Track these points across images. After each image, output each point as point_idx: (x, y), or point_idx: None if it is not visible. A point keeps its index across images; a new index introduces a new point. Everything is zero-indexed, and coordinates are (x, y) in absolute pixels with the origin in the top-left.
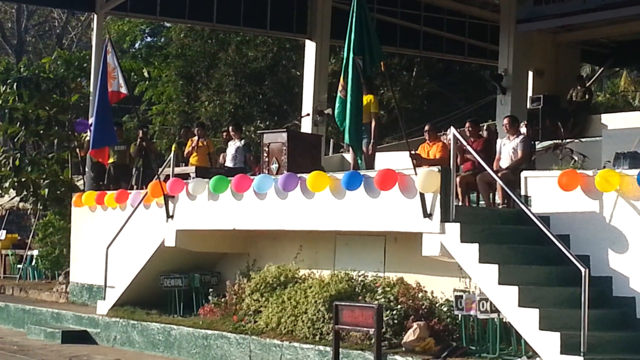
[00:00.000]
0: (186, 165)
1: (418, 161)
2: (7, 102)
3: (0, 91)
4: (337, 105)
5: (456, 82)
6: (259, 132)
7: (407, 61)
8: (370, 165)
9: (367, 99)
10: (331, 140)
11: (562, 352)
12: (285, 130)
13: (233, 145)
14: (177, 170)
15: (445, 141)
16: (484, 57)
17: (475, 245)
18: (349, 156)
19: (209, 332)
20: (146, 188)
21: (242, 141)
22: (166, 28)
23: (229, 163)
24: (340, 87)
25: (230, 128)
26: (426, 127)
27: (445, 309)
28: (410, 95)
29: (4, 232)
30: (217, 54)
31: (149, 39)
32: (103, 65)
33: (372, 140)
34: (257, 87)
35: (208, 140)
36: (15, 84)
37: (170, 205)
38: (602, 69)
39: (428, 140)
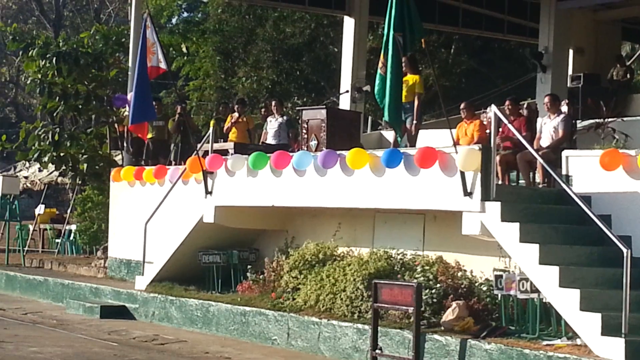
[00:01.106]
0: (224, 141)
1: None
2: (46, 77)
3: (39, 65)
4: (377, 82)
5: (495, 60)
6: (297, 108)
7: (446, 38)
8: (413, 144)
9: (412, 78)
10: (369, 118)
11: (603, 334)
12: (324, 107)
13: (275, 122)
14: (216, 146)
15: (484, 120)
16: (523, 34)
17: (516, 225)
18: (387, 134)
19: (247, 308)
20: (184, 164)
21: (285, 117)
22: (203, 3)
23: (270, 139)
24: (380, 64)
25: (273, 103)
26: (462, 105)
27: (484, 289)
28: (449, 73)
29: (43, 206)
30: (255, 29)
31: (186, 14)
32: (142, 40)
33: (414, 121)
34: (294, 64)
35: (248, 116)
36: (54, 58)
37: (209, 181)
38: None
39: (465, 119)
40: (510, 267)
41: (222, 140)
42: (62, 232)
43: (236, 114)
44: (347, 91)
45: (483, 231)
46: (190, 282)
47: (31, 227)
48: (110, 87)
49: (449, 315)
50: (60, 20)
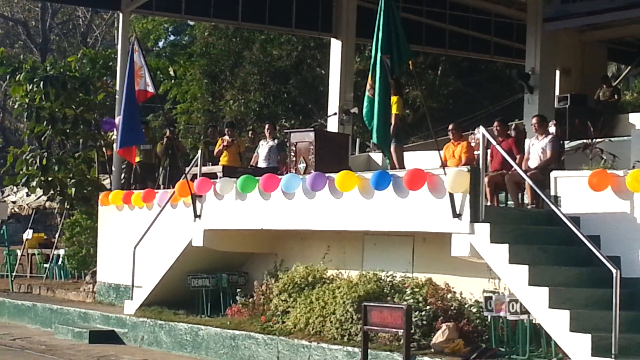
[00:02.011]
0: (214, 164)
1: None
2: (34, 101)
3: (26, 90)
4: (365, 104)
5: (482, 81)
6: (285, 131)
7: (433, 60)
8: (396, 166)
9: (392, 100)
10: (357, 140)
11: (593, 354)
12: (312, 129)
13: (266, 145)
14: (205, 169)
15: (472, 141)
16: (510, 55)
17: (505, 246)
18: (375, 156)
19: (237, 332)
20: (173, 187)
21: (276, 140)
22: (190, 26)
23: (261, 163)
24: (368, 87)
25: (267, 126)
26: (450, 127)
27: (474, 310)
28: (436, 94)
29: (31, 231)
30: (242, 52)
31: (172, 37)
32: (130, 64)
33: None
34: (282, 86)
35: (239, 139)
36: (41, 82)
37: (198, 204)
38: (629, 67)
39: (453, 140)
40: (499, 289)
41: (210, 163)
42: (51, 256)
43: (227, 138)
44: (335, 113)
45: (472, 253)
46: (179, 306)
47: (19, 252)
48: (97, 111)
49: (439, 337)
50: (47, 44)
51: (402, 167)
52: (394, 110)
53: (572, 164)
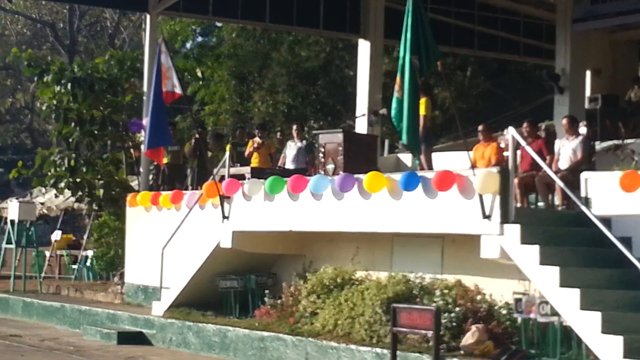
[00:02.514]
0: (242, 166)
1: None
2: (62, 103)
3: (54, 91)
4: (393, 105)
5: (511, 82)
6: (314, 132)
7: (461, 61)
8: (424, 166)
9: (420, 101)
10: (386, 141)
11: (625, 356)
12: (341, 130)
13: (294, 146)
14: (233, 170)
15: (501, 142)
16: (539, 56)
17: (536, 247)
18: (404, 157)
19: (265, 334)
20: (201, 189)
21: (304, 142)
22: (218, 28)
23: (289, 164)
24: (396, 87)
25: (294, 127)
26: (480, 128)
27: (504, 312)
28: (465, 95)
29: (59, 232)
30: (270, 53)
31: (200, 38)
32: (157, 65)
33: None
34: (310, 87)
35: (269, 140)
36: (69, 84)
37: (226, 206)
38: None
39: (482, 141)
40: (530, 290)
41: (238, 164)
42: (79, 258)
43: (258, 139)
44: (364, 114)
45: (502, 254)
46: (207, 308)
47: (48, 254)
48: (125, 112)
49: (468, 339)
50: (75, 46)
51: (430, 168)
52: (422, 112)
53: (603, 165)
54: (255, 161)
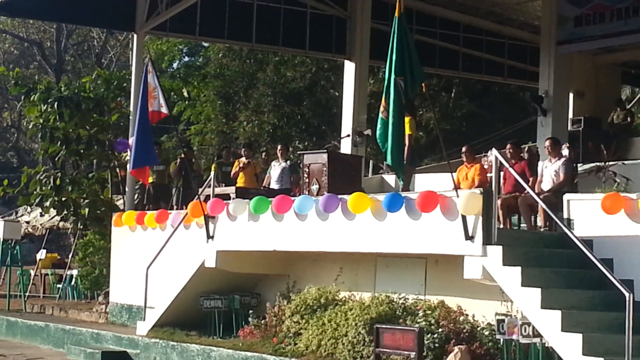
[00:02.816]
0: (227, 185)
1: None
2: (48, 122)
3: (41, 110)
4: (378, 126)
5: (495, 104)
6: (298, 152)
7: (446, 82)
8: (406, 187)
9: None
10: (370, 161)
11: None
12: (325, 151)
13: (278, 166)
14: (217, 190)
15: (485, 163)
16: (523, 78)
17: (518, 269)
18: (388, 177)
19: (249, 354)
20: (186, 208)
21: (288, 162)
22: (204, 48)
23: (274, 184)
24: (382, 108)
25: (279, 147)
26: (463, 149)
27: (486, 333)
28: (449, 116)
29: (44, 251)
30: (256, 74)
31: (187, 58)
32: (144, 85)
33: (405, 162)
34: (295, 108)
35: (255, 160)
36: (56, 103)
37: (211, 225)
38: None
39: (466, 162)
40: (512, 312)
41: (223, 184)
42: (64, 277)
43: (244, 159)
44: (348, 135)
45: (485, 275)
46: (191, 327)
47: (32, 272)
48: (111, 131)
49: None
50: (62, 65)
51: (407, 188)
52: (407, 131)
53: (586, 187)
54: (240, 181)
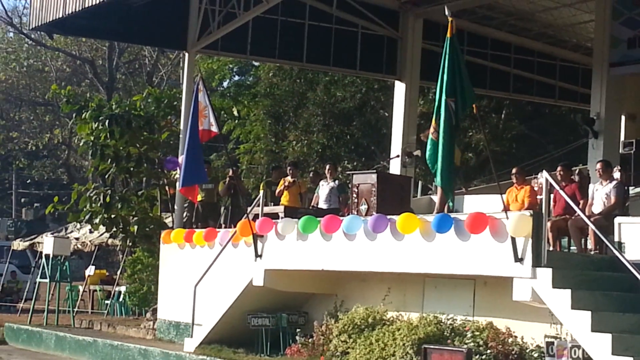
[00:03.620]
0: (275, 204)
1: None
2: (99, 139)
3: (92, 128)
4: (428, 147)
5: (546, 125)
6: (347, 172)
7: (496, 103)
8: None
9: None
10: (419, 182)
11: None
12: (375, 171)
13: (327, 186)
14: (266, 209)
15: (535, 185)
16: (574, 100)
17: (568, 291)
18: (436, 198)
19: None
20: (234, 227)
21: (337, 182)
22: (255, 67)
23: (322, 204)
24: (432, 129)
25: (327, 167)
26: (514, 170)
27: (535, 355)
28: (499, 137)
29: (93, 267)
30: (306, 93)
31: (237, 77)
32: (194, 103)
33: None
34: (345, 127)
35: (300, 180)
36: (107, 121)
37: (259, 244)
38: None
39: (516, 184)
40: (561, 334)
41: (272, 203)
42: (112, 293)
43: (289, 178)
44: (398, 155)
45: (534, 297)
46: (239, 345)
47: (81, 288)
48: (161, 149)
49: None
50: (113, 83)
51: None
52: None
53: (637, 210)
54: (285, 200)
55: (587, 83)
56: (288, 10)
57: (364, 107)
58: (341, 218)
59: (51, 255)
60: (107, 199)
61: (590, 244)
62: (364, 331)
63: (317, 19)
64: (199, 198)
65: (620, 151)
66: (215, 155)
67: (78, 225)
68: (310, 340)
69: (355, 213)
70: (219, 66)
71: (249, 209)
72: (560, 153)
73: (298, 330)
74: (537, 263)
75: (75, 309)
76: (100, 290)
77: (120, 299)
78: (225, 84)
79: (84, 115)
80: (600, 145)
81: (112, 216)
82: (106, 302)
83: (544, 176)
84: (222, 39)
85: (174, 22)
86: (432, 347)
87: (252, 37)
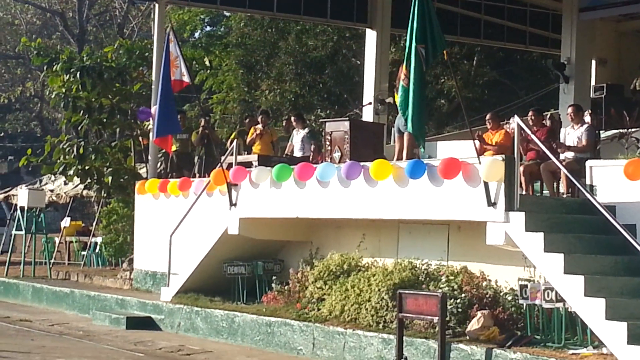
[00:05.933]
0: (249, 154)
1: (482, 145)
2: (71, 91)
3: (64, 80)
4: (399, 93)
5: (517, 71)
6: (320, 120)
7: (468, 50)
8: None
9: None
10: (392, 129)
11: (629, 342)
12: (347, 119)
13: (298, 135)
14: (240, 158)
15: (508, 130)
16: (545, 45)
17: (540, 235)
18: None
19: (272, 319)
20: (209, 176)
21: (306, 129)
22: (226, 17)
23: (297, 152)
24: (402, 76)
25: (292, 118)
26: (488, 116)
27: (509, 298)
28: (471, 84)
29: (68, 219)
30: (277, 43)
31: (208, 28)
32: (166, 54)
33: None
34: (317, 76)
35: (271, 128)
36: (78, 73)
37: (233, 193)
38: None
39: (490, 129)
40: (535, 277)
41: (245, 152)
42: (88, 244)
43: (260, 126)
44: (370, 103)
45: (507, 241)
46: (215, 293)
47: (57, 240)
48: (134, 100)
49: (474, 324)
50: (84, 35)
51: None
52: None
53: (608, 153)
54: (257, 148)
55: (558, 28)
56: None
57: (335, 55)
58: (315, 166)
59: (26, 208)
60: (81, 151)
61: (562, 188)
62: (339, 277)
63: None
64: (173, 148)
65: (591, 95)
66: (189, 106)
67: (52, 177)
68: (286, 287)
69: (329, 160)
70: (190, 17)
71: (223, 158)
72: (532, 98)
73: (274, 277)
74: (510, 207)
75: (52, 261)
76: (76, 242)
77: (97, 250)
78: (196, 34)
79: (55, 67)
80: (571, 89)
81: (86, 167)
82: (82, 253)
83: (515, 121)
84: None
85: None
86: (407, 292)
87: None
